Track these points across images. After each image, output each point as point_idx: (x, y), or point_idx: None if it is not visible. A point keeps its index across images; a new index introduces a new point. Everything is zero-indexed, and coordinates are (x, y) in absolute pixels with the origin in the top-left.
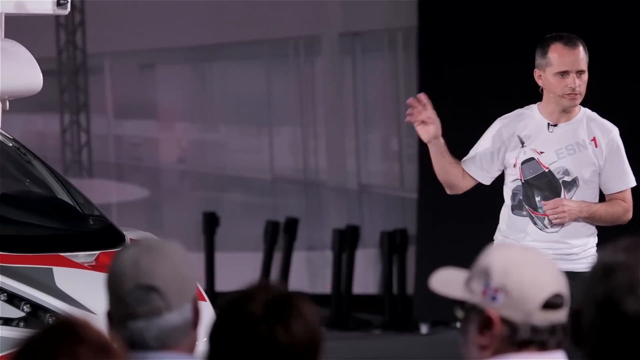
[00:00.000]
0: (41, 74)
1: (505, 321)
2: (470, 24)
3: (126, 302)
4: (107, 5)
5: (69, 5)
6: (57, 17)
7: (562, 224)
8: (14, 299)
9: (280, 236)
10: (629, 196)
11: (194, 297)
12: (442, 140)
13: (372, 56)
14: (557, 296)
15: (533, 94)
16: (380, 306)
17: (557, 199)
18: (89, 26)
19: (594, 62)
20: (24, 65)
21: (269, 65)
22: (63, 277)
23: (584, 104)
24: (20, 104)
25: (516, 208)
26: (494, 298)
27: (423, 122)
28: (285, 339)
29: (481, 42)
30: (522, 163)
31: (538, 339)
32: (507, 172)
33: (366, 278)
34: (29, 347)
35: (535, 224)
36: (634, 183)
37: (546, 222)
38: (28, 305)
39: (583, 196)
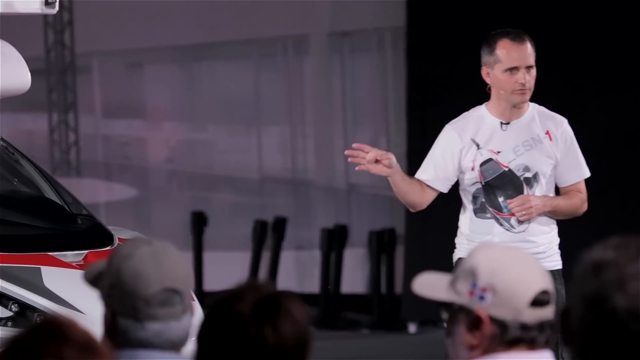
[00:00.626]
0: (29, 73)
1: (494, 320)
2: (459, 23)
3: (150, 303)
4: (96, 4)
5: (57, 4)
6: (45, 16)
7: (528, 222)
8: (2, 298)
9: (269, 236)
10: (584, 187)
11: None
12: (398, 165)
13: (361, 56)
14: (544, 293)
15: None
16: (368, 306)
17: (522, 195)
18: (77, 25)
19: (571, 59)
20: (12, 65)
21: (257, 65)
22: (51, 276)
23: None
24: (8, 103)
25: (479, 211)
26: (481, 297)
27: (376, 161)
28: (274, 339)
29: (469, 41)
30: (481, 165)
31: (527, 337)
32: (464, 177)
33: (354, 277)
34: (15, 347)
35: (501, 225)
36: (588, 174)
37: (512, 222)
38: (16, 304)
39: (544, 191)
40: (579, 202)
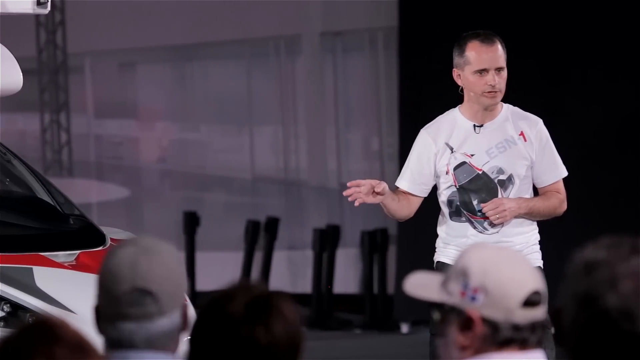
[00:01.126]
0: (21, 73)
1: (486, 321)
2: (451, 23)
3: (120, 302)
4: (88, 4)
5: (49, 4)
6: (37, 16)
7: (502, 224)
8: None
9: (261, 236)
10: (562, 187)
11: (184, 302)
12: (387, 188)
13: (353, 56)
14: (536, 293)
15: (513, 94)
16: (361, 306)
17: (496, 199)
18: (69, 25)
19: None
20: (4, 65)
21: (249, 65)
22: (43, 276)
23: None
24: (0, 103)
25: (454, 215)
26: (473, 298)
27: (373, 193)
28: (266, 339)
29: None
30: (454, 169)
31: (519, 337)
32: (439, 181)
33: (347, 278)
34: (6, 347)
35: (475, 227)
36: (565, 173)
37: (486, 224)
38: (8, 305)
39: (519, 192)
40: (557, 202)
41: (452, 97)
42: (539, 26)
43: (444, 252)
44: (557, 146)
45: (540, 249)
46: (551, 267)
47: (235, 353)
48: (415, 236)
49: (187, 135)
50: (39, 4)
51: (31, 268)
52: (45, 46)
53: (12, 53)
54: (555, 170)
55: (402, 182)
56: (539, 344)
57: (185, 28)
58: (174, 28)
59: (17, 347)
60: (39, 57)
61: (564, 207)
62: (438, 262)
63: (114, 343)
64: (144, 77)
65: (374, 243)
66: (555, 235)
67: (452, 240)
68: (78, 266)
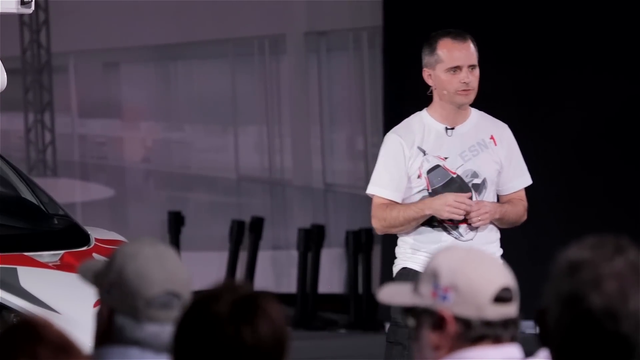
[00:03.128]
0: (5, 73)
1: (458, 319)
2: (435, 23)
3: (150, 305)
4: (72, 4)
5: (33, 4)
6: (21, 15)
7: (476, 231)
8: None
9: (246, 235)
10: (525, 195)
11: None
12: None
13: (337, 55)
14: (507, 290)
15: (499, 95)
16: (345, 305)
17: (477, 200)
18: (53, 25)
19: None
20: None
21: (234, 64)
22: (27, 276)
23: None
24: None
25: (425, 220)
26: (444, 297)
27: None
28: (251, 340)
29: None
30: (428, 172)
31: (492, 334)
32: (410, 185)
33: (331, 277)
34: None
35: (449, 233)
36: (530, 181)
37: (461, 230)
38: None
39: (489, 197)
40: (522, 210)
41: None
42: (524, 25)
43: (411, 259)
44: (543, 147)
45: (527, 251)
46: (538, 270)
47: (220, 353)
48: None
49: (172, 135)
50: (22, 3)
51: (15, 268)
52: (29, 46)
53: None
54: (522, 177)
55: (386, 192)
56: (513, 340)
57: (170, 28)
58: (158, 28)
59: (1, 347)
60: (23, 56)
61: (526, 216)
62: (404, 268)
63: (132, 341)
64: (128, 76)
65: (359, 243)
66: (541, 237)
67: (422, 246)
68: (62, 266)
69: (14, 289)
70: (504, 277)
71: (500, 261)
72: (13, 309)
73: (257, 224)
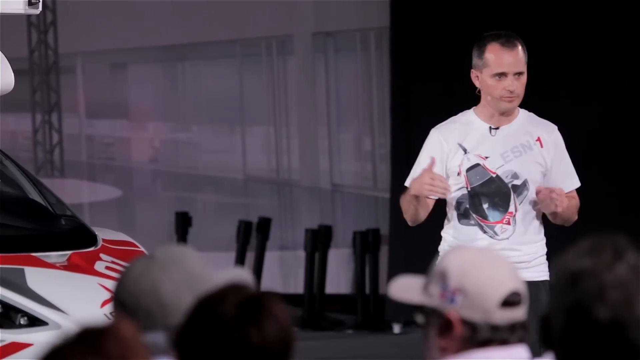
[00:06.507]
0: (13, 74)
1: (465, 322)
2: (443, 24)
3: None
4: (79, 4)
5: (40, 4)
6: (28, 16)
7: (512, 231)
8: None
9: (253, 236)
10: (577, 196)
11: None
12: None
13: (345, 56)
14: (515, 294)
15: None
16: (352, 306)
17: (553, 187)
18: (60, 26)
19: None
20: None
21: (241, 65)
22: (35, 277)
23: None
24: None
25: (462, 217)
26: (452, 300)
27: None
28: (257, 340)
29: (453, 42)
30: (467, 170)
31: (498, 338)
32: (449, 182)
33: (339, 278)
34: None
35: (485, 232)
36: (579, 184)
37: (497, 229)
38: (0, 305)
39: (532, 198)
40: (575, 208)
41: (443, 96)
42: (530, 27)
43: None
44: None
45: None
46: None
47: (227, 354)
48: (407, 236)
49: (179, 136)
50: (30, 4)
51: (23, 269)
52: (36, 46)
53: (3, 53)
54: (571, 179)
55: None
56: (520, 342)
57: (177, 28)
58: (165, 28)
59: (53, 353)
60: (31, 57)
61: (576, 216)
62: None
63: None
64: (135, 77)
65: (366, 243)
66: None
67: (459, 244)
68: (69, 267)
69: (22, 289)
70: (512, 280)
71: (511, 263)
72: (21, 310)
73: (264, 225)
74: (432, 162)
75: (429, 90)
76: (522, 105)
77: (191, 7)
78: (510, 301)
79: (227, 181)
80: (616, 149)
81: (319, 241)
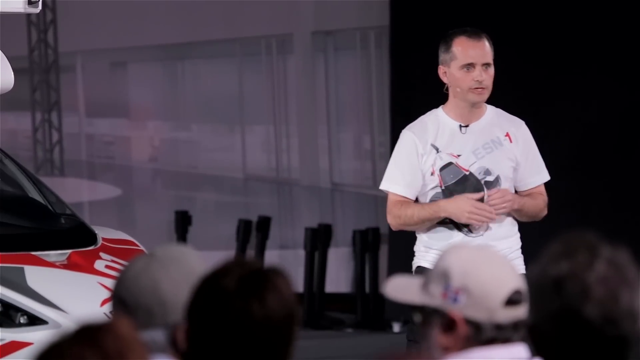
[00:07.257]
0: (12, 73)
1: (469, 321)
2: (442, 23)
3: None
4: (79, 3)
5: (40, 3)
6: (28, 15)
7: (485, 228)
8: None
9: (253, 235)
10: (544, 190)
11: None
12: None
13: (345, 55)
14: (517, 292)
15: (506, 94)
16: (352, 305)
17: (501, 189)
18: (60, 24)
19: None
20: None
21: (241, 64)
22: (35, 276)
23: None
24: None
25: None
26: (455, 299)
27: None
28: (260, 313)
29: None
30: (440, 169)
31: (502, 337)
32: (424, 182)
33: (338, 277)
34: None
35: (460, 230)
36: (548, 177)
37: (471, 226)
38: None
39: None
40: (542, 204)
41: (444, 96)
42: (532, 25)
43: (424, 257)
44: (549, 148)
45: (528, 252)
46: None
47: (230, 327)
48: (407, 235)
49: (179, 135)
50: (30, 3)
51: (23, 267)
52: (36, 45)
53: (3, 52)
54: (540, 173)
55: (398, 189)
56: (522, 341)
57: (177, 27)
58: (165, 27)
59: (51, 348)
60: (31, 56)
61: (546, 211)
62: (418, 267)
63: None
64: (135, 76)
65: (366, 242)
66: (544, 237)
67: (434, 244)
68: (69, 265)
69: (21, 288)
70: (514, 279)
71: (511, 261)
72: (20, 308)
73: (264, 224)
74: (480, 195)
75: (428, 89)
76: (522, 105)
77: (191, 6)
78: (513, 300)
79: (227, 180)
80: (616, 149)
81: (318, 240)
